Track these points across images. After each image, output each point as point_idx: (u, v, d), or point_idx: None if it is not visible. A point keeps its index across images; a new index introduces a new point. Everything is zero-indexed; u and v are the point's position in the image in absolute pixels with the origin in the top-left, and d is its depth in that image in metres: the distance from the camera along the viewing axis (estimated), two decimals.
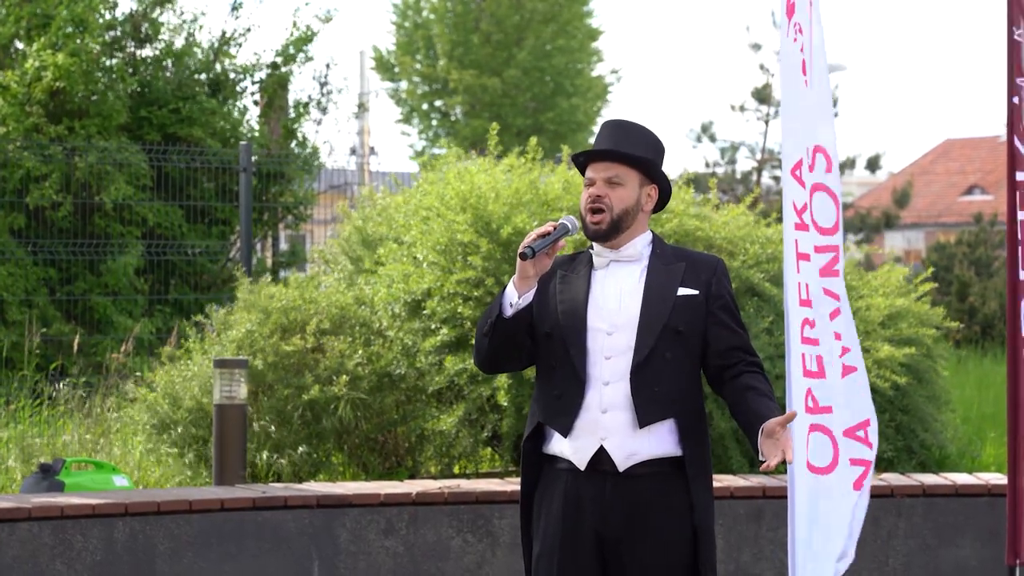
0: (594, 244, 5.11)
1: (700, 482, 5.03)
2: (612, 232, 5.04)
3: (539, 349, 5.06)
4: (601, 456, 4.98)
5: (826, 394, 5.93)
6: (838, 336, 5.98)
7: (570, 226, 5.02)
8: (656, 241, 5.14)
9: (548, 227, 4.97)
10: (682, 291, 5.03)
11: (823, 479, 5.94)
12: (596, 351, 4.99)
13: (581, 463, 4.99)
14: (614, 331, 5.00)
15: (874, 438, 6.47)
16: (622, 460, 4.97)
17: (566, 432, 4.99)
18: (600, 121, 40.52)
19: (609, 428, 4.97)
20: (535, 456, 5.11)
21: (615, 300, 5.03)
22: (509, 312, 4.98)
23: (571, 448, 5.00)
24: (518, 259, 4.96)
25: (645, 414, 4.95)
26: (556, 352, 5.02)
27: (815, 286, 6.63)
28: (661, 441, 4.99)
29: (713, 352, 5.05)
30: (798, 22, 6.54)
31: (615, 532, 4.98)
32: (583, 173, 5.13)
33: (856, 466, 6.03)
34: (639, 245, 5.08)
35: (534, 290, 5.01)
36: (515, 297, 4.98)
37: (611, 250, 5.08)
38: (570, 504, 5.00)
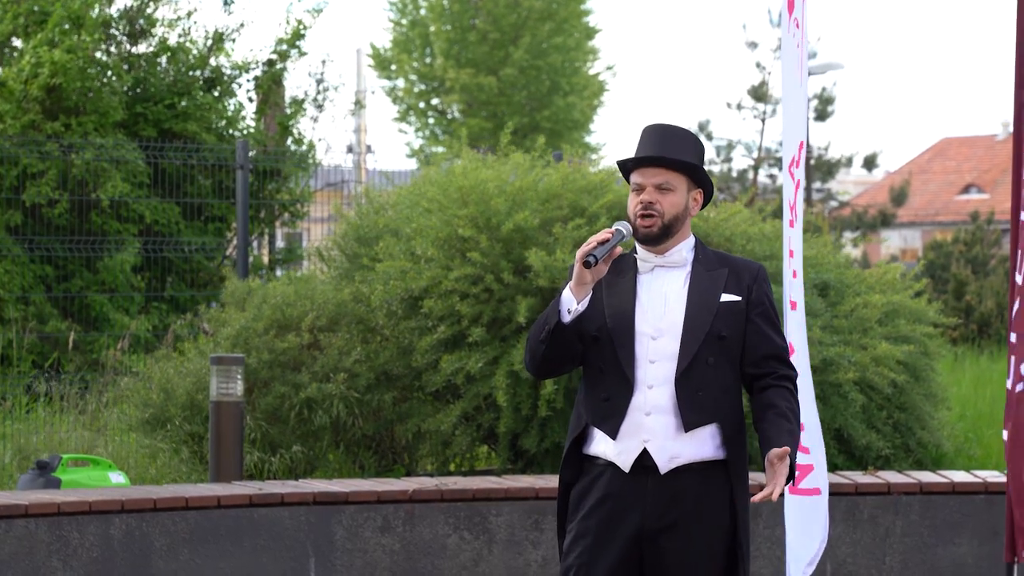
0: (638, 248, 5.13)
1: (741, 484, 5.08)
2: (663, 236, 5.07)
3: (587, 352, 5.09)
4: (644, 458, 5.02)
5: None
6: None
7: (624, 232, 5.03)
8: (699, 246, 5.17)
9: (605, 234, 4.98)
10: (725, 297, 5.07)
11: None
12: (642, 355, 5.03)
13: (625, 465, 5.03)
14: (659, 336, 5.03)
15: (807, 441, 6.47)
16: (664, 463, 5.02)
17: (614, 434, 5.03)
18: (597, 119, 40.23)
19: (652, 431, 5.01)
20: (576, 456, 5.15)
21: (660, 305, 5.06)
22: (568, 318, 5.00)
23: (615, 450, 5.04)
24: (577, 266, 4.96)
25: (690, 419, 5.00)
26: (604, 356, 5.05)
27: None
28: (703, 445, 5.04)
29: (748, 359, 5.09)
30: (797, 18, 6.53)
31: (655, 524, 5.02)
32: (627, 178, 5.14)
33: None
34: (684, 250, 5.12)
35: (590, 296, 5.03)
36: (573, 303, 4.99)
37: (657, 255, 5.10)
38: (610, 497, 5.04)
